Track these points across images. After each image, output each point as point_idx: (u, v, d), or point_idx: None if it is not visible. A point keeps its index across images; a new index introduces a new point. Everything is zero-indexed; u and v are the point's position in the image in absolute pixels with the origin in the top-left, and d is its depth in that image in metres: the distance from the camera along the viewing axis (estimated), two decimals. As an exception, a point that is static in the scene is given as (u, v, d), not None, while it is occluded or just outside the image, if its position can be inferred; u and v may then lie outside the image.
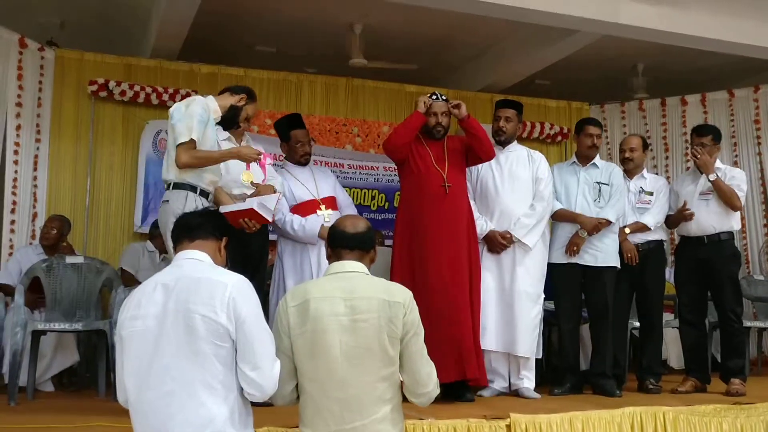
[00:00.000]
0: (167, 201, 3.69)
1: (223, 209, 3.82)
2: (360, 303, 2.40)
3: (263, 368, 2.31)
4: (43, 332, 4.66)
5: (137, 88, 6.68)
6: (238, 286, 2.34)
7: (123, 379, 2.36)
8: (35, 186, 6.34)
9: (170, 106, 6.51)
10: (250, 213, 3.93)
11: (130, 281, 5.43)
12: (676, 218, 5.05)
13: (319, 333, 2.40)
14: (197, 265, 2.41)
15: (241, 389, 2.33)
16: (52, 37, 6.98)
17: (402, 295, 2.45)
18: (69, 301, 4.74)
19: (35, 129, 6.38)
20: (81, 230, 6.50)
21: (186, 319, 2.27)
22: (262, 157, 4.04)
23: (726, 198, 4.87)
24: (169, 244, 3.48)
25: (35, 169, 6.35)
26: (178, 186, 3.69)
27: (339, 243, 2.57)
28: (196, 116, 3.65)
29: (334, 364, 2.38)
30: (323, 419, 2.41)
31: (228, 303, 2.28)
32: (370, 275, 2.55)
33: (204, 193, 3.75)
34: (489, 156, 4.63)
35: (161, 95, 6.75)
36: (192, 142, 3.62)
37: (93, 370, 5.03)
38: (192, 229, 2.49)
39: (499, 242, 4.66)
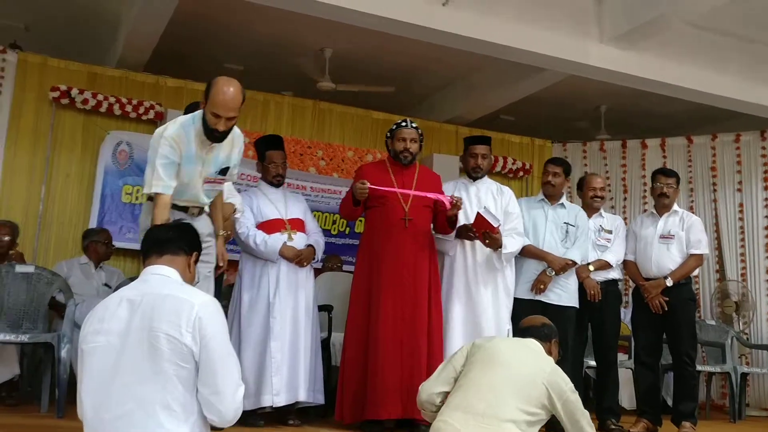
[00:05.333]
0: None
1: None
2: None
3: (224, 393, 2.22)
4: (-14, 343, 4.48)
5: (100, 97, 6.55)
6: (206, 307, 2.24)
7: (82, 396, 2.25)
8: (-14, 191, 6.16)
9: (133, 117, 6.63)
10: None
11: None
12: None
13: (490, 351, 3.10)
14: (164, 282, 2.33)
15: (202, 413, 2.24)
16: (15, 39, 6.83)
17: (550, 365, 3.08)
18: (16, 311, 4.58)
19: (-9, 132, 6.21)
20: (32, 239, 6.32)
21: (150, 337, 2.18)
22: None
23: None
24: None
25: (-12, 173, 6.17)
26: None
27: (517, 332, 3.40)
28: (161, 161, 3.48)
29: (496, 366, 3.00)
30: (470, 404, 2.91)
31: (194, 323, 2.19)
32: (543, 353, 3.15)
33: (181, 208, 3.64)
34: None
35: (124, 106, 6.64)
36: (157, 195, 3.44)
37: (36, 385, 4.84)
38: (161, 243, 2.40)
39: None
